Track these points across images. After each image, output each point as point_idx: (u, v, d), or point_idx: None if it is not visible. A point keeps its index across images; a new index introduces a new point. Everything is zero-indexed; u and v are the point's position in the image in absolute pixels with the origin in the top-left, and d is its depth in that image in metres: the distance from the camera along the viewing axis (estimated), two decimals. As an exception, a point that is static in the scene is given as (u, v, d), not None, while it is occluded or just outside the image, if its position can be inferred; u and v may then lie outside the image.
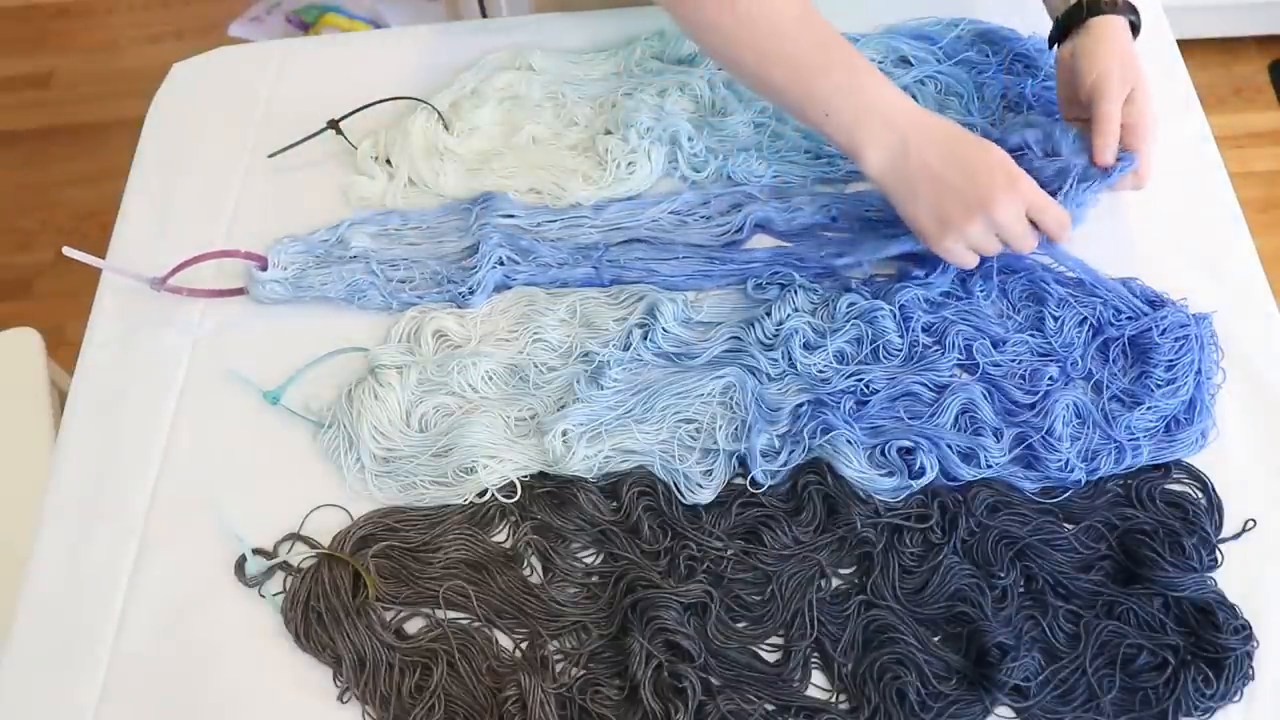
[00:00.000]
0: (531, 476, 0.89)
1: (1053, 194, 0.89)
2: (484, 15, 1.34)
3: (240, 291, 1.01)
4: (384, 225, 1.03)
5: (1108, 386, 0.89)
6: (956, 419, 0.88)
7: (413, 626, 0.84)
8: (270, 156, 1.07)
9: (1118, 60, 0.91)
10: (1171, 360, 0.89)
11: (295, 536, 0.88)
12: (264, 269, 1.00)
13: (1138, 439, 0.86)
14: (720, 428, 0.88)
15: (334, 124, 1.08)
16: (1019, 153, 0.92)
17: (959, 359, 0.91)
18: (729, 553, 0.84)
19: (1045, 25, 1.10)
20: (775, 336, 0.93)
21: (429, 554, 0.86)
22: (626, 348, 0.93)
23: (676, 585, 0.82)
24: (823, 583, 0.83)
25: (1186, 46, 1.13)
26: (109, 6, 2.53)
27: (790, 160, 1.04)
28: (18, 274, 2.13)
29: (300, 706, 0.81)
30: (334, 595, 0.84)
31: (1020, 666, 0.77)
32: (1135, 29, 0.95)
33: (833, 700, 0.79)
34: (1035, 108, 1.04)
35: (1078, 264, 0.93)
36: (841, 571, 0.84)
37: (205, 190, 1.09)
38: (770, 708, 0.78)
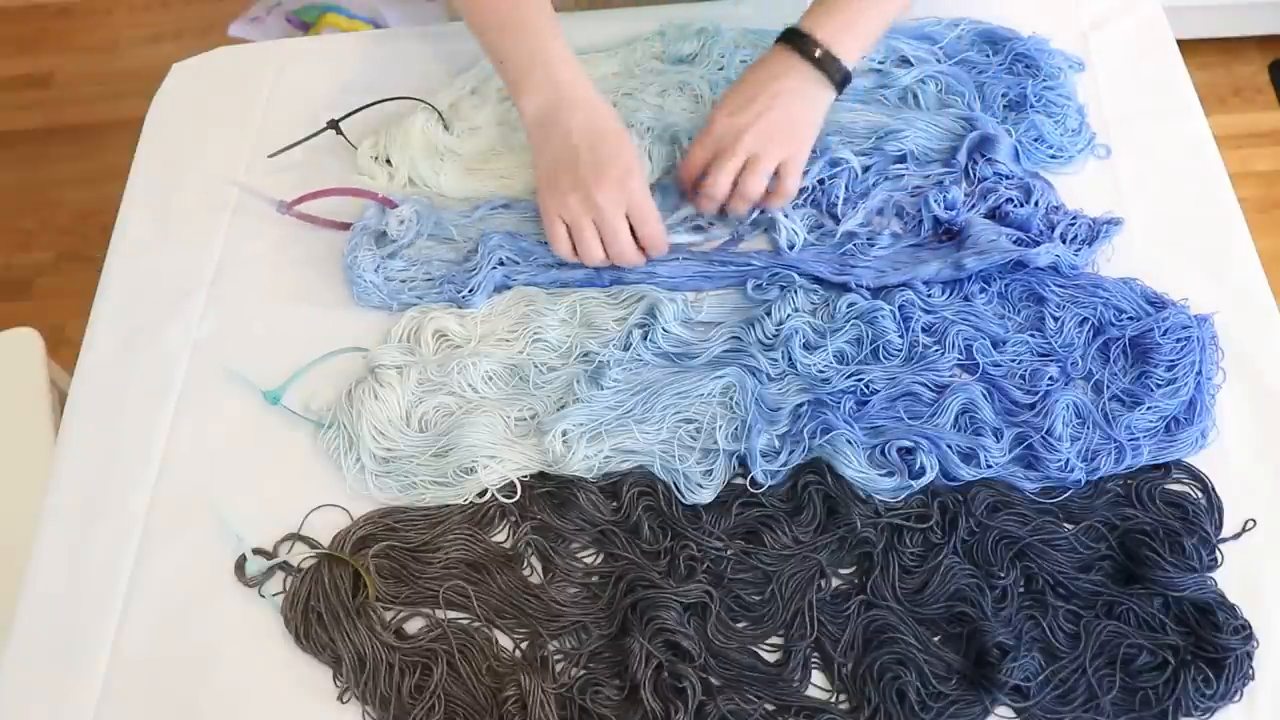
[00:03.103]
0: (531, 476, 0.89)
1: (1035, 242, 0.94)
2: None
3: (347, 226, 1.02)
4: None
5: (1108, 386, 0.89)
6: (956, 419, 0.88)
7: (413, 626, 0.84)
8: (270, 156, 1.07)
9: (744, 96, 0.94)
10: (1172, 361, 0.89)
11: (295, 536, 0.88)
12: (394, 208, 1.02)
13: (1138, 439, 0.86)
14: (720, 428, 0.88)
15: (334, 124, 1.08)
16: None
17: (959, 359, 0.91)
18: (729, 553, 0.84)
19: (1045, 25, 1.11)
20: (775, 336, 0.93)
21: (429, 554, 0.86)
22: (626, 348, 0.93)
23: (676, 585, 0.82)
24: (823, 583, 0.83)
25: (1186, 46, 1.13)
26: (109, 6, 2.53)
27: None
28: (18, 274, 2.13)
29: (300, 706, 0.81)
30: (334, 595, 0.84)
31: (1020, 666, 0.77)
32: (838, 84, 0.95)
33: (833, 700, 0.79)
34: (1036, 107, 1.04)
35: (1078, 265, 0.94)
36: (841, 571, 0.84)
37: (205, 190, 1.09)
38: (770, 708, 0.79)
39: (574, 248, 0.95)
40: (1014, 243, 0.94)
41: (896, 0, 0.98)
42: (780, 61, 0.95)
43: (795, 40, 0.95)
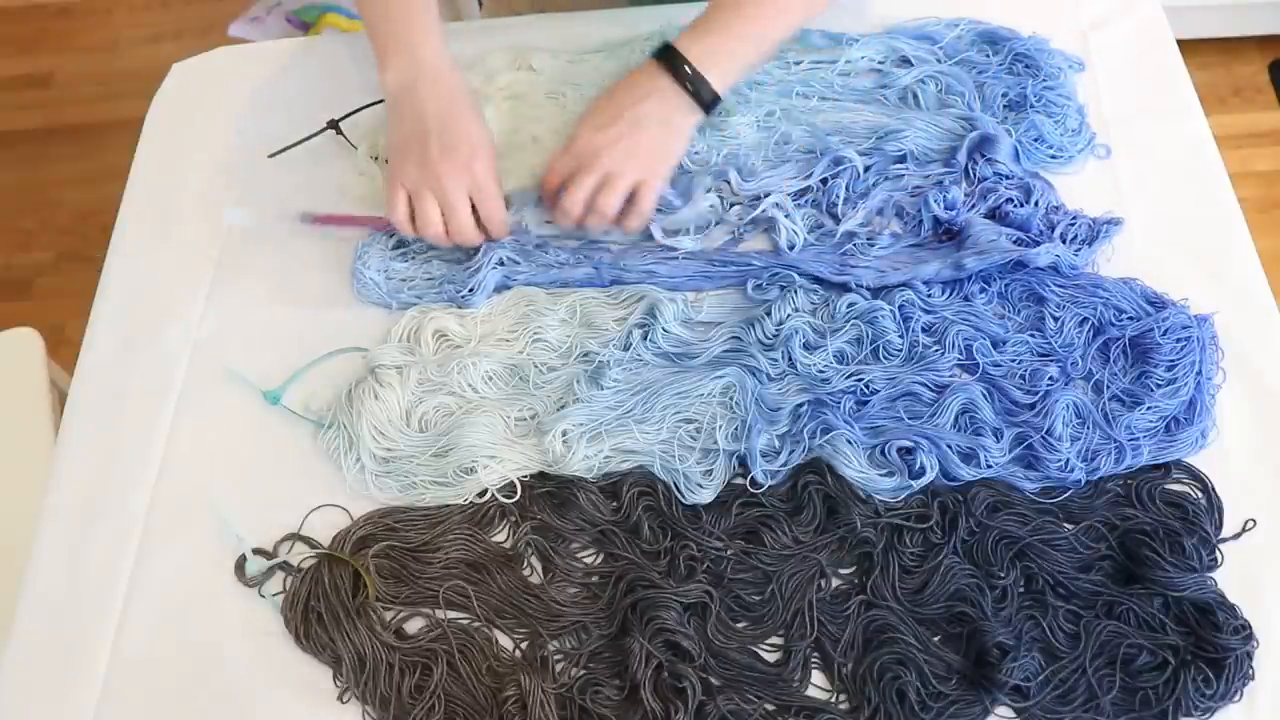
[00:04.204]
0: (531, 476, 0.89)
1: (1035, 242, 0.94)
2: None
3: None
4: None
5: (1108, 386, 0.89)
6: (956, 419, 0.88)
7: (413, 626, 0.84)
8: (270, 156, 1.07)
9: (608, 114, 0.95)
10: (1172, 361, 0.89)
11: (295, 536, 0.88)
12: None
13: (1138, 439, 0.86)
14: (720, 428, 0.88)
15: (334, 124, 1.08)
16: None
17: (959, 359, 0.91)
18: (729, 553, 0.84)
19: (1045, 25, 1.11)
20: (775, 336, 0.93)
21: (429, 554, 0.86)
22: (626, 348, 0.93)
23: (676, 585, 0.82)
24: (823, 583, 0.83)
25: (1186, 46, 1.13)
26: (109, 6, 2.53)
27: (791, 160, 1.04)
28: (18, 274, 2.13)
29: (300, 706, 0.81)
30: (334, 595, 0.84)
31: (1020, 666, 0.77)
32: (702, 104, 0.95)
33: (833, 700, 0.79)
34: (1036, 107, 1.04)
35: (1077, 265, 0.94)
36: (841, 571, 0.84)
37: (205, 190, 1.09)
38: (770, 708, 0.79)
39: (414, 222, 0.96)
40: (1014, 243, 0.94)
41: (784, 18, 0.98)
42: (650, 81, 0.96)
43: (667, 59, 0.96)
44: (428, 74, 0.97)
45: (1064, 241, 0.95)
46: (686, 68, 0.95)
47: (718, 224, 1.01)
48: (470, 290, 0.97)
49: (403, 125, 0.97)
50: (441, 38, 0.99)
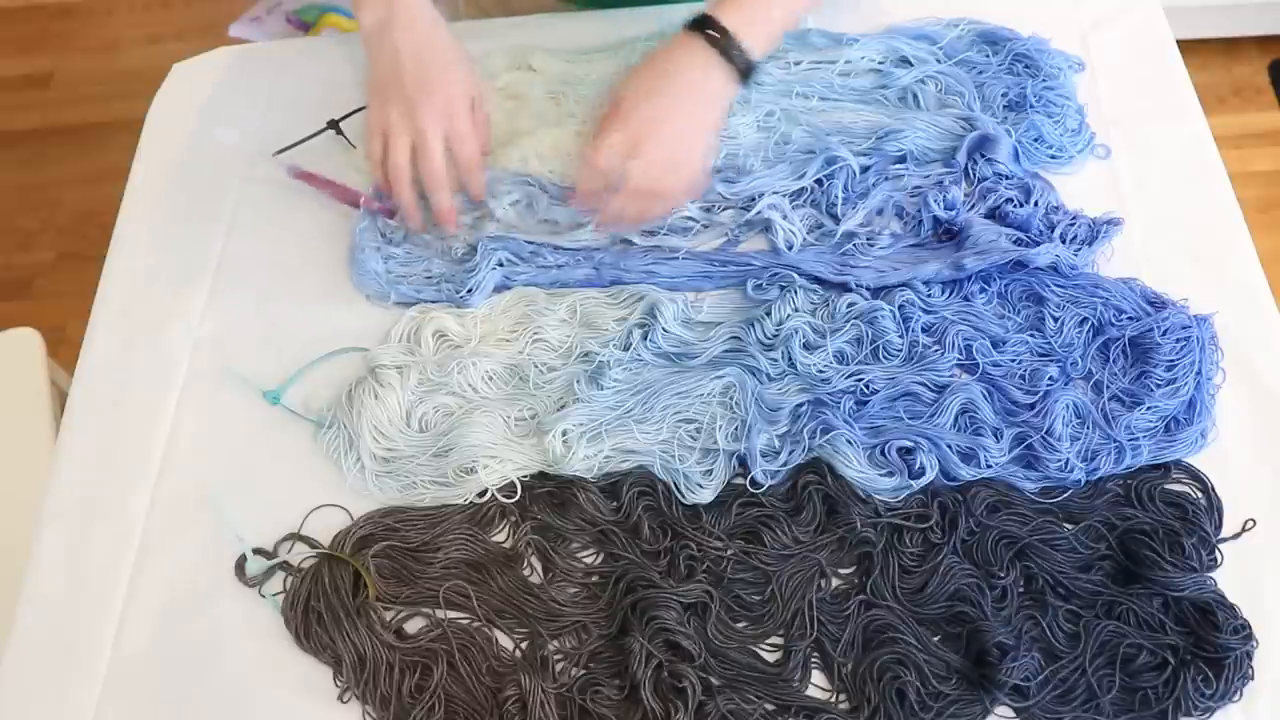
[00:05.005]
0: (531, 476, 0.89)
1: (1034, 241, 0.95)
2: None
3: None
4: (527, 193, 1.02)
5: (1108, 387, 0.89)
6: (956, 419, 0.88)
7: (413, 626, 0.84)
8: (272, 156, 1.07)
9: (641, 89, 0.93)
10: (1172, 360, 0.89)
11: (295, 536, 0.88)
12: (392, 219, 1.02)
13: (1137, 439, 0.86)
14: (720, 428, 0.88)
15: (334, 124, 1.08)
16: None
17: (959, 359, 0.91)
18: (729, 553, 0.84)
19: (1045, 25, 1.11)
20: (775, 336, 0.93)
21: (429, 554, 0.86)
22: (626, 348, 0.93)
23: (676, 585, 0.82)
24: (823, 583, 0.83)
25: (1186, 46, 1.13)
26: (109, 7, 2.53)
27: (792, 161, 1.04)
28: (18, 274, 2.13)
29: (300, 706, 0.81)
30: (334, 595, 0.84)
31: (1020, 666, 0.77)
32: (743, 72, 0.93)
33: (833, 700, 0.79)
34: (1036, 107, 1.04)
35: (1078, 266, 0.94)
36: (841, 571, 0.84)
37: (205, 190, 1.09)
38: (770, 708, 0.78)
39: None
40: (1014, 243, 0.94)
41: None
42: (684, 49, 0.94)
43: (703, 28, 0.94)
44: (401, 15, 0.96)
45: (1064, 242, 0.95)
46: (723, 36, 0.93)
47: (706, 228, 1.01)
48: (470, 290, 0.97)
49: (379, 68, 0.96)
50: None
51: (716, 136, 0.97)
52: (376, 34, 0.97)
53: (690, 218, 1.00)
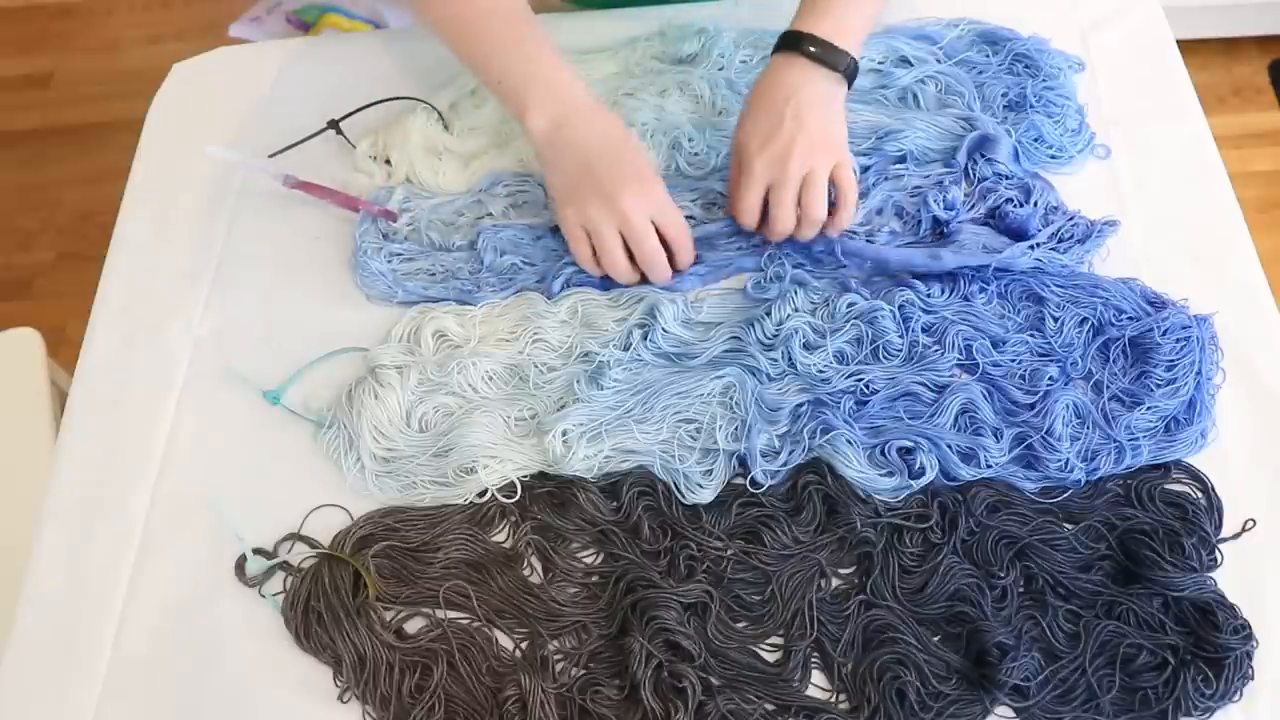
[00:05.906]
0: (531, 476, 0.89)
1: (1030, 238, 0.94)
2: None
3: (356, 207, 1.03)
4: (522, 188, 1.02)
5: (1108, 387, 0.89)
6: (956, 419, 0.88)
7: (413, 626, 0.84)
8: (270, 156, 1.07)
9: (767, 123, 0.92)
10: (1172, 360, 0.89)
11: (295, 536, 0.88)
12: (394, 222, 1.02)
13: (1137, 439, 0.86)
14: (720, 428, 0.88)
15: (334, 124, 1.08)
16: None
17: (959, 359, 0.91)
18: (729, 553, 0.84)
19: (1045, 25, 1.11)
20: (775, 336, 0.93)
21: (429, 554, 0.86)
22: (626, 348, 0.93)
23: (676, 585, 0.82)
24: (823, 583, 0.83)
25: (1186, 46, 1.13)
26: (109, 7, 2.53)
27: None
28: (18, 274, 2.13)
29: (300, 706, 0.81)
30: (334, 595, 0.84)
31: (1020, 666, 0.77)
32: (848, 76, 0.94)
33: (833, 700, 0.79)
34: (1036, 107, 1.04)
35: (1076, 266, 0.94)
36: (841, 571, 0.84)
37: (205, 190, 1.09)
38: (770, 708, 0.79)
39: (596, 259, 0.94)
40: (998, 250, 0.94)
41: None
42: (789, 74, 0.93)
43: (796, 44, 0.94)
44: (574, 108, 0.94)
45: (1059, 241, 0.94)
46: (818, 48, 0.93)
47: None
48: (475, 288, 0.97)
49: (565, 166, 0.93)
50: (574, 72, 0.96)
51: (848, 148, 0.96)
52: (553, 135, 0.93)
53: (690, 216, 1.00)
